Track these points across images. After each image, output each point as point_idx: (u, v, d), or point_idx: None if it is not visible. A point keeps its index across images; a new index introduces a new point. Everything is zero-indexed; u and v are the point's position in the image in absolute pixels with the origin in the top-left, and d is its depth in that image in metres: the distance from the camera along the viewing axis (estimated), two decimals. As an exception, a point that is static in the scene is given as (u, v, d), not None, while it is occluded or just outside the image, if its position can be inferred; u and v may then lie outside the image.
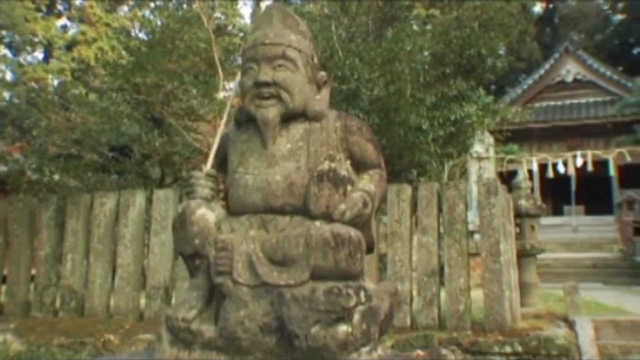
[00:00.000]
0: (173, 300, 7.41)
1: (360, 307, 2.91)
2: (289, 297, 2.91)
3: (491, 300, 6.42)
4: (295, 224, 3.15)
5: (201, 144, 7.23)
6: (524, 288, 7.94)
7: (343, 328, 2.85)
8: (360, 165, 3.38)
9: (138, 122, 8.99)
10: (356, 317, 2.90)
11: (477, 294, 6.67)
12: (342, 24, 8.51)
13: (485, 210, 6.61)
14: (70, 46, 22.40)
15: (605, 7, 37.82)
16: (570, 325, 7.09)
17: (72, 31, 23.69)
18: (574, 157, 15.99)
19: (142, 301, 7.56)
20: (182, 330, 3.08)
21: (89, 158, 9.62)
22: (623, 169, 21.27)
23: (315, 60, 3.53)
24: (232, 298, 3.02)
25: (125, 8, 25.48)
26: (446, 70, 7.28)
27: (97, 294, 7.69)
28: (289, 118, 3.32)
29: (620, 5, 36.35)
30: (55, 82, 22.58)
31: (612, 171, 16.52)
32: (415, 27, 7.22)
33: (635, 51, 35.10)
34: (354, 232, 3.03)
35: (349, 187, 3.19)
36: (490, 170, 15.52)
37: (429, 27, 7.35)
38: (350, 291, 2.87)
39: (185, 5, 18.06)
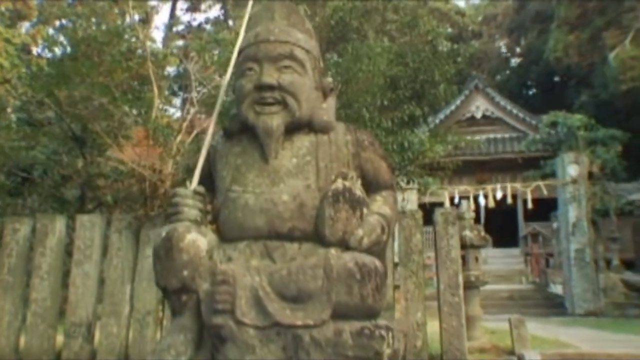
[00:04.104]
0: (96, 339, 6.62)
1: (388, 351, 2.48)
2: (307, 340, 2.43)
3: (450, 334, 6.12)
4: (307, 251, 2.68)
5: (134, 164, 6.56)
6: (469, 321, 7.70)
7: (373, 376, 2.40)
8: (372, 185, 2.97)
9: (58, 141, 8.16)
10: (385, 362, 2.46)
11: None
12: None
13: (443, 240, 6.33)
14: (-37, 60, 20.61)
15: (504, 50, 39.98)
16: (519, 359, 6.93)
17: (-34, 45, 21.84)
18: (494, 189, 16.34)
19: (60, 340, 6.70)
20: (169, 382, 2.50)
21: (-5, 179, 8.64)
22: (527, 203, 22.11)
23: (321, 64, 3.08)
24: (235, 342, 2.48)
25: (27, 24, 23.94)
26: (401, 94, 7.06)
27: (5, 333, 6.79)
28: (293, 128, 2.85)
29: (518, 49, 38.48)
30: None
31: (529, 204, 17.05)
32: (375, 47, 6.95)
33: (531, 92, 37.11)
34: (378, 263, 2.62)
35: (365, 210, 2.77)
36: (412, 202, 15.52)
37: (378, 49, 7.10)
38: (383, 332, 2.43)
39: (94, 27, 17.13)
